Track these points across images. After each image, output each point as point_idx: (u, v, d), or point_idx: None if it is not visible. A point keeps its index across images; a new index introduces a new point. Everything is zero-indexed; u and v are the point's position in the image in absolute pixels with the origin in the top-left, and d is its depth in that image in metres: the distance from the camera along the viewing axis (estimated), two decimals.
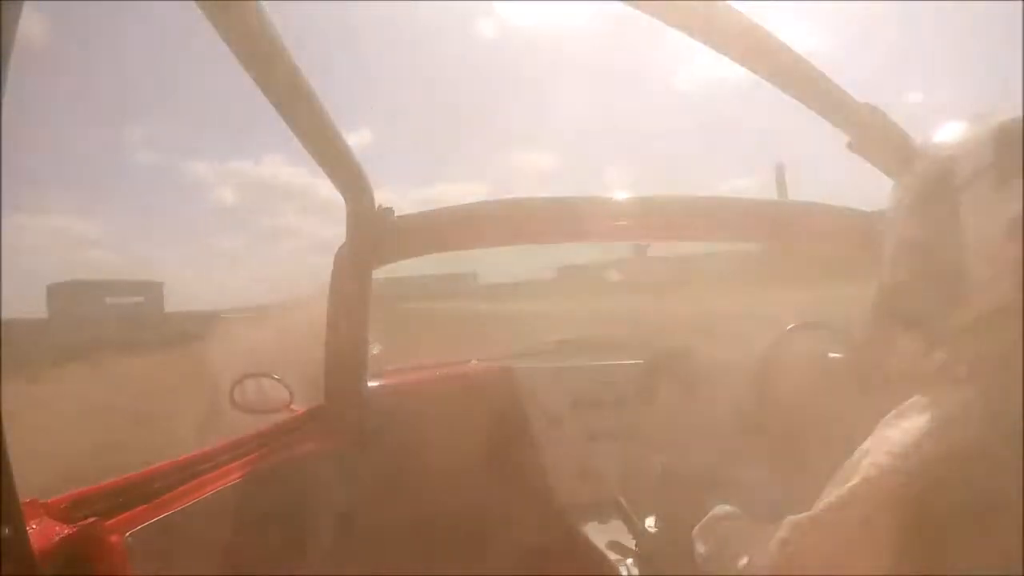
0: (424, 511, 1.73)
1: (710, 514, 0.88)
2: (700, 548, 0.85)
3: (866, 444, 0.63)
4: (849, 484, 0.61)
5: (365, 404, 1.51)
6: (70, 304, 27.34)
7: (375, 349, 1.80)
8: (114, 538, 0.75)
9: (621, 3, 0.64)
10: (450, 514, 1.73)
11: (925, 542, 0.57)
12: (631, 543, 1.18)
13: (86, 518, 0.74)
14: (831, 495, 0.63)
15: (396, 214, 1.24)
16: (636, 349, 1.83)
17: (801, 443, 1.41)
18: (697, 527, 0.88)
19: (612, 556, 1.21)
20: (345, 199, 1.07)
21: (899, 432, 0.60)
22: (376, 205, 1.16)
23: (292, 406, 1.46)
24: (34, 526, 0.67)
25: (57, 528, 0.70)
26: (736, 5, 0.71)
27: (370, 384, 1.55)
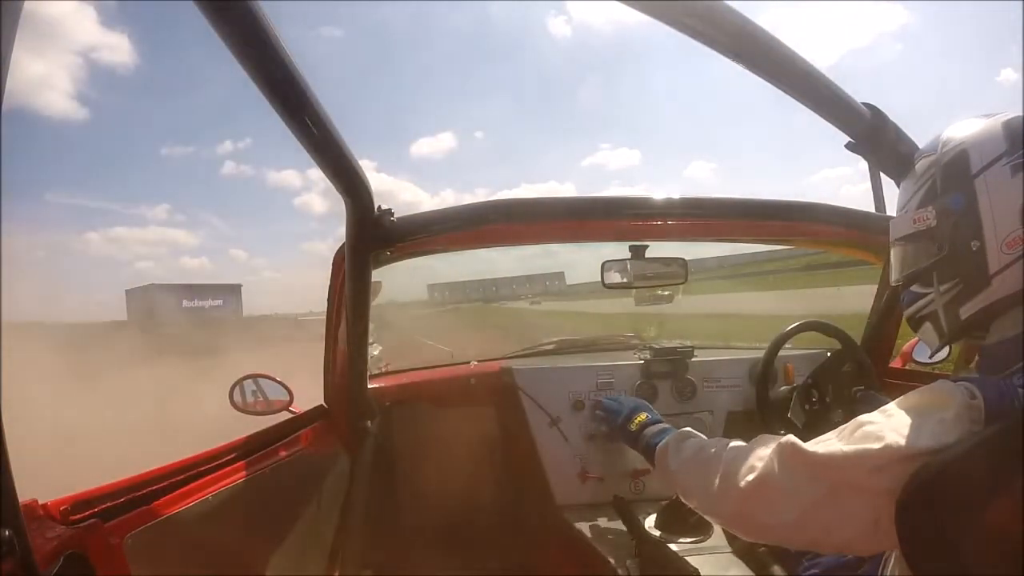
0: (424, 511, 1.73)
1: (673, 434, 0.95)
2: (673, 465, 0.89)
3: (877, 419, 0.63)
4: (856, 446, 0.61)
5: (365, 404, 1.51)
6: (148, 308, 27.87)
7: (375, 349, 1.80)
8: (114, 540, 0.75)
9: (620, 3, 0.64)
10: (450, 513, 1.72)
11: (915, 529, 0.57)
12: (631, 543, 1.17)
13: (86, 520, 0.74)
14: (834, 445, 0.64)
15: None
16: (636, 349, 1.83)
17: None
18: (663, 445, 0.93)
19: (612, 556, 1.20)
20: (345, 200, 1.07)
21: (907, 419, 0.61)
22: (376, 206, 1.16)
23: (292, 406, 1.46)
24: (34, 527, 0.67)
25: (57, 529, 0.70)
26: (736, 5, 0.71)
27: (370, 384, 1.55)
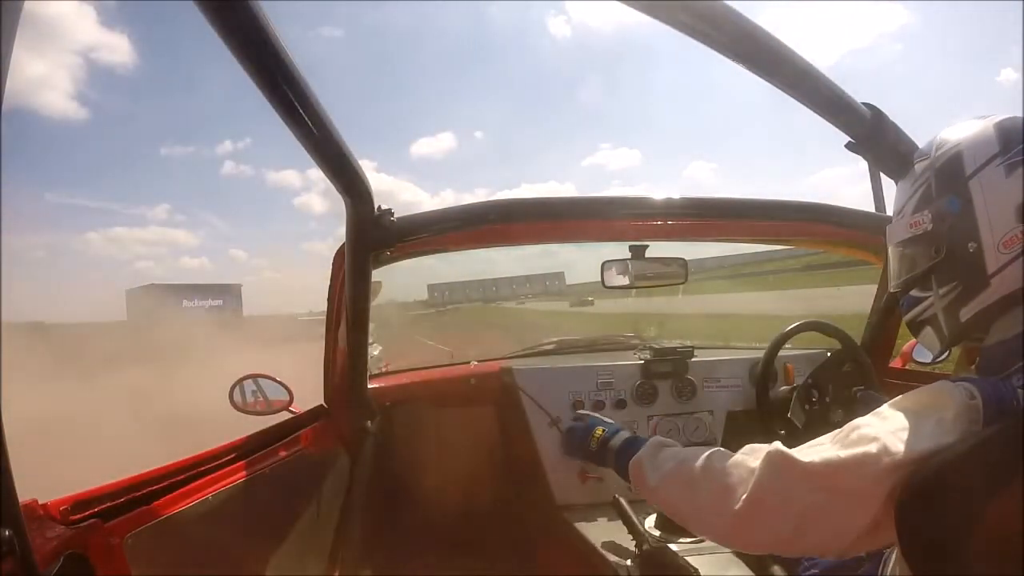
0: (424, 511, 1.73)
1: (648, 444, 0.88)
2: (652, 481, 0.83)
3: (874, 423, 0.62)
4: (853, 451, 0.60)
5: (365, 404, 1.51)
6: (148, 308, 28.03)
7: (375, 349, 1.80)
8: (114, 540, 0.75)
9: (620, 3, 0.64)
10: (450, 514, 1.72)
11: (914, 533, 0.57)
12: (631, 543, 1.17)
13: (86, 520, 0.74)
14: (829, 450, 0.63)
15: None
16: (636, 349, 1.83)
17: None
18: (636, 460, 0.87)
19: (612, 556, 1.20)
20: (345, 200, 1.07)
21: (904, 421, 0.60)
22: (376, 206, 1.16)
23: (292, 406, 1.46)
24: (34, 527, 0.67)
25: (57, 529, 0.70)
26: (736, 5, 0.71)
27: (370, 384, 1.55)
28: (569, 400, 1.60)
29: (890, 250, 0.78)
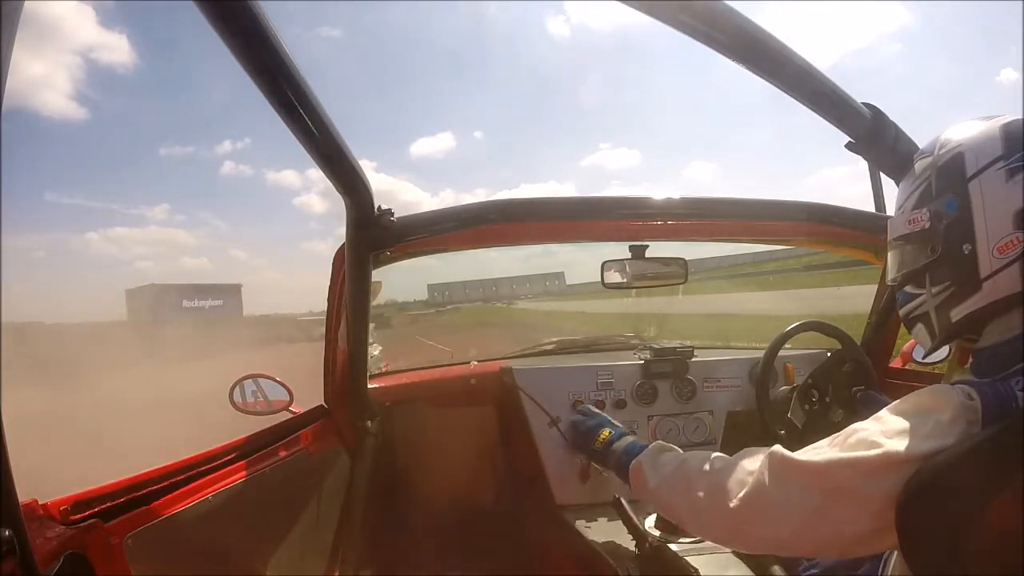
0: (424, 511, 1.73)
1: (650, 447, 0.93)
2: (652, 482, 0.87)
3: (871, 426, 0.63)
4: (851, 453, 0.61)
5: (365, 404, 1.51)
6: (148, 308, 28.13)
7: (375, 349, 1.80)
8: (114, 540, 0.76)
9: (620, 3, 0.64)
10: (450, 513, 1.73)
11: (913, 533, 0.57)
12: (631, 543, 1.17)
13: (86, 520, 0.74)
14: (827, 452, 0.64)
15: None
16: (636, 349, 1.83)
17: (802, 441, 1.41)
18: (636, 463, 0.92)
19: (612, 556, 1.20)
20: (345, 200, 1.07)
21: (902, 423, 0.61)
22: (376, 207, 1.16)
23: (292, 406, 1.46)
24: (34, 527, 0.68)
25: (57, 529, 0.70)
26: (736, 5, 0.71)
27: (370, 384, 1.55)
28: (569, 400, 1.60)
29: (889, 244, 0.78)
